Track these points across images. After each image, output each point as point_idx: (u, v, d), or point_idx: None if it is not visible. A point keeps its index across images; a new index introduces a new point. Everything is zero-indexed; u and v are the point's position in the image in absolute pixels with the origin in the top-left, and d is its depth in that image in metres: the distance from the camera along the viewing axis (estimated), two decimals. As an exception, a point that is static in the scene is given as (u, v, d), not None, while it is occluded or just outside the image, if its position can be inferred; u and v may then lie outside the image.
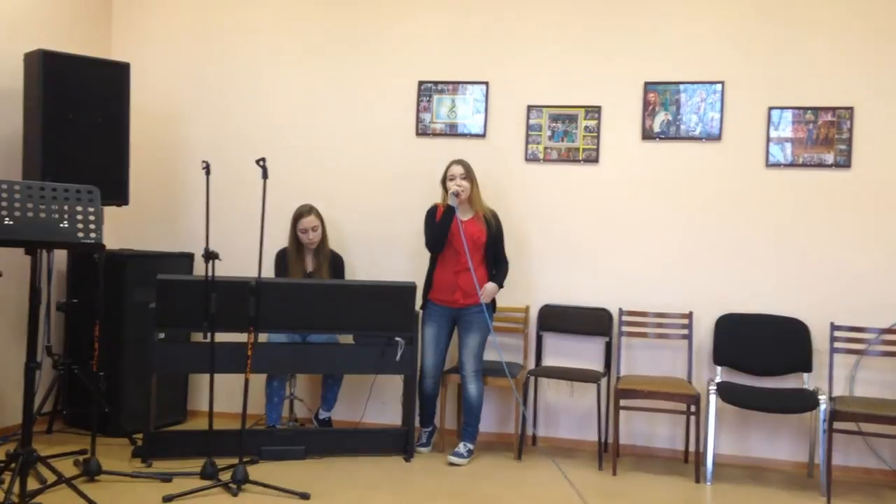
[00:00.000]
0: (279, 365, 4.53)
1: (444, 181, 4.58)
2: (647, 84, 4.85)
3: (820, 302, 4.60)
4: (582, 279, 4.92)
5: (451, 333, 4.68)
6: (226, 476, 3.86)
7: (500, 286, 4.62)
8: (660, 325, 4.79)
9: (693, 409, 4.43)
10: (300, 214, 4.74)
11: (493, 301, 4.65)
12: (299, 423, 4.98)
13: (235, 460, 3.88)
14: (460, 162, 4.57)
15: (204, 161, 4.01)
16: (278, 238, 4.80)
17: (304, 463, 4.34)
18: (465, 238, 4.45)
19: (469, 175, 4.55)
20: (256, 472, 4.01)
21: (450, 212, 4.46)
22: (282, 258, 4.80)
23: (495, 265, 4.64)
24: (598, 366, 4.87)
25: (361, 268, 5.11)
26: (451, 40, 5.10)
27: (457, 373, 4.62)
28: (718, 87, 4.76)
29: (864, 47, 4.59)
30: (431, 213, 4.61)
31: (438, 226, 4.50)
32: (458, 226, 4.47)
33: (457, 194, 4.46)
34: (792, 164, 4.68)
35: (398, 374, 4.62)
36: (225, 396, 4.84)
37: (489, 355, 4.66)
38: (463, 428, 4.59)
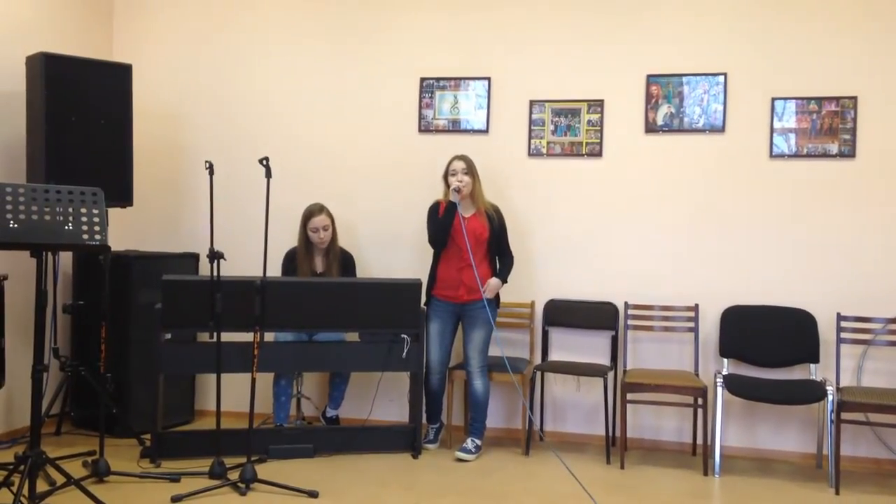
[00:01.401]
0: (286, 364, 4.53)
1: (445, 177, 4.58)
2: (649, 77, 4.84)
3: (826, 292, 4.59)
4: (587, 273, 4.92)
5: (456, 329, 4.68)
6: (234, 475, 3.88)
7: (504, 281, 4.62)
8: (666, 319, 4.79)
9: (700, 401, 4.42)
10: (311, 213, 4.71)
11: (497, 296, 4.65)
12: (307, 421, 4.98)
13: (244, 459, 3.89)
14: (462, 157, 4.57)
15: (207, 161, 4.01)
16: (283, 237, 4.79)
17: (313, 461, 4.34)
18: (468, 234, 4.45)
19: (470, 170, 4.54)
20: (265, 470, 4.02)
21: (451, 208, 4.46)
22: (291, 259, 4.77)
23: (500, 260, 4.64)
24: (604, 360, 4.87)
25: (365, 265, 5.10)
26: (452, 36, 5.09)
27: (462, 369, 4.62)
28: (721, 78, 4.75)
29: (867, 36, 4.57)
30: (434, 210, 4.61)
31: (440, 222, 4.50)
32: (461, 222, 4.47)
33: (458, 190, 4.46)
34: (796, 155, 4.66)
35: (405, 371, 4.62)
36: (232, 396, 4.84)
37: (494, 351, 4.66)
38: (470, 424, 4.59)
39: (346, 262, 4.83)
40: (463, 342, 4.64)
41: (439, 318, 4.60)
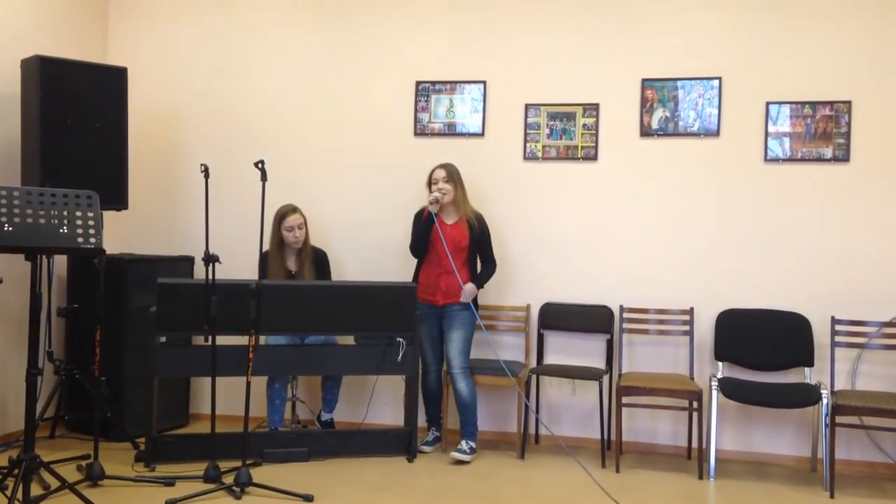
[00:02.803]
0: (281, 367, 4.52)
1: (429, 184, 4.63)
2: (644, 81, 4.85)
3: (820, 296, 4.60)
4: (582, 277, 4.92)
5: (441, 331, 4.69)
6: (229, 479, 3.86)
7: (481, 287, 4.65)
8: (661, 322, 4.79)
9: (695, 405, 4.43)
10: (284, 214, 4.71)
11: (475, 300, 4.66)
12: (302, 424, 4.98)
13: (238, 463, 3.88)
14: (443, 166, 4.60)
15: (202, 164, 4.01)
16: (278, 240, 4.79)
17: (307, 465, 4.34)
18: (447, 242, 4.49)
19: (452, 178, 4.57)
20: (259, 474, 4.01)
21: (429, 218, 4.48)
22: (265, 260, 4.76)
23: (482, 266, 4.68)
24: (599, 363, 4.87)
25: (359, 267, 5.10)
26: (448, 40, 5.10)
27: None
28: (716, 82, 4.76)
29: (862, 41, 4.59)
30: (419, 217, 4.64)
31: (419, 231, 4.55)
32: (439, 231, 4.49)
33: (436, 201, 4.48)
34: (790, 159, 4.68)
35: (400, 375, 4.62)
36: (227, 399, 4.85)
37: (490, 354, 4.67)
38: (462, 427, 4.57)
39: (319, 260, 4.84)
40: (444, 345, 4.64)
41: (426, 320, 4.62)
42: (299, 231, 4.71)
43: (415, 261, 4.71)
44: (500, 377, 4.58)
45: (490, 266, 4.70)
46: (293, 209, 4.73)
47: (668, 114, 4.82)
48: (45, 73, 4.38)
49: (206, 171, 3.99)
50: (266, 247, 4.49)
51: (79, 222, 3.35)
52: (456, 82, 5.08)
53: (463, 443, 4.51)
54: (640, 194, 4.86)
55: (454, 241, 4.55)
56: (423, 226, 4.53)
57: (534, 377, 4.78)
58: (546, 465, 4.43)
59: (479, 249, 4.66)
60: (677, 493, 4.07)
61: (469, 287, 4.58)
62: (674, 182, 4.82)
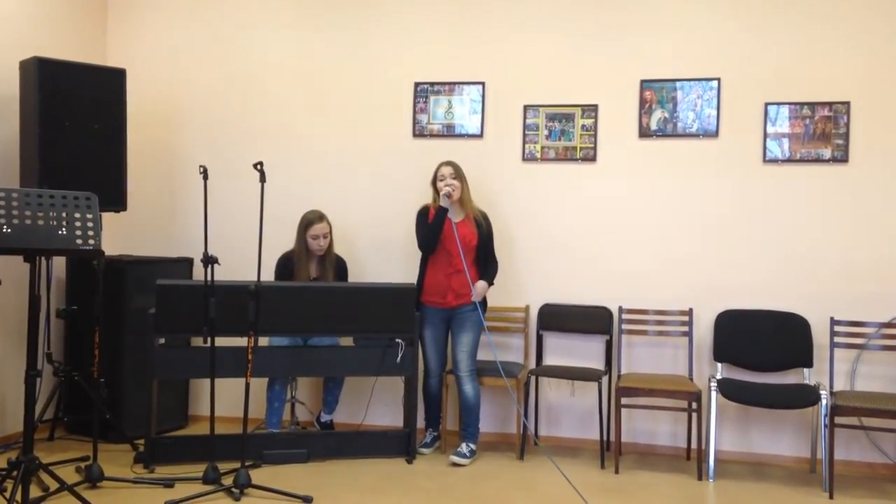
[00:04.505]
0: (280, 368, 4.52)
1: (433, 183, 4.60)
2: (643, 82, 4.85)
3: (819, 297, 4.60)
4: (581, 278, 4.92)
5: (448, 333, 4.69)
6: (228, 480, 3.86)
7: (491, 284, 4.63)
8: (660, 323, 4.79)
9: (694, 406, 4.43)
10: (311, 221, 4.69)
11: (484, 300, 4.65)
12: (301, 426, 4.97)
13: (237, 464, 3.88)
14: (449, 163, 4.59)
15: (201, 166, 4.01)
16: (277, 242, 4.79)
17: (306, 466, 4.33)
18: (459, 239, 4.47)
19: (458, 175, 4.56)
20: (258, 475, 4.01)
21: (442, 212, 4.47)
22: (285, 264, 4.76)
23: (485, 265, 4.66)
24: (598, 364, 4.87)
25: (358, 269, 5.09)
26: (446, 41, 5.10)
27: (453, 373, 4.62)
28: (714, 83, 4.76)
29: (860, 41, 4.59)
30: (423, 214, 4.62)
31: (431, 226, 4.51)
32: (454, 229, 4.48)
33: (448, 195, 4.47)
34: (789, 160, 4.68)
35: (399, 376, 4.62)
36: (226, 401, 4.85)
37: (488, 355, 4.67)
38: (463, 429, 4.58)
39: (340, 269, 4.83)
40: (452, 346, 4.64)
41: (431, 323, 4.61)
42: (324, 240, 4.69)
43: (417, 261, 4.70)
44: (500, 378, 4.57)
45: (495, 264, 4.70)
46: (320, 217, 4.70)
47: (666, 115, 4.83)
48: (44, 75, 4.38)
49: (204, 173, 3.99)
50: (265, 248, 4.47)
51: (77, 224, 3.34)
52: (454, 83, 5.08)
53: (463, 445, 4.51)
54: (639, 195, 4.86)
55: (464, 240, 4.53)
56: (437, 219, 4.49)
57: (533, 378, 4.79)
58: (545, 467, 4.42)
59: (484, 247, 4.66)
60: (676, 493, 4.07)
61: (481, 285, 4.57)
62: (672, 183, 4.82)
